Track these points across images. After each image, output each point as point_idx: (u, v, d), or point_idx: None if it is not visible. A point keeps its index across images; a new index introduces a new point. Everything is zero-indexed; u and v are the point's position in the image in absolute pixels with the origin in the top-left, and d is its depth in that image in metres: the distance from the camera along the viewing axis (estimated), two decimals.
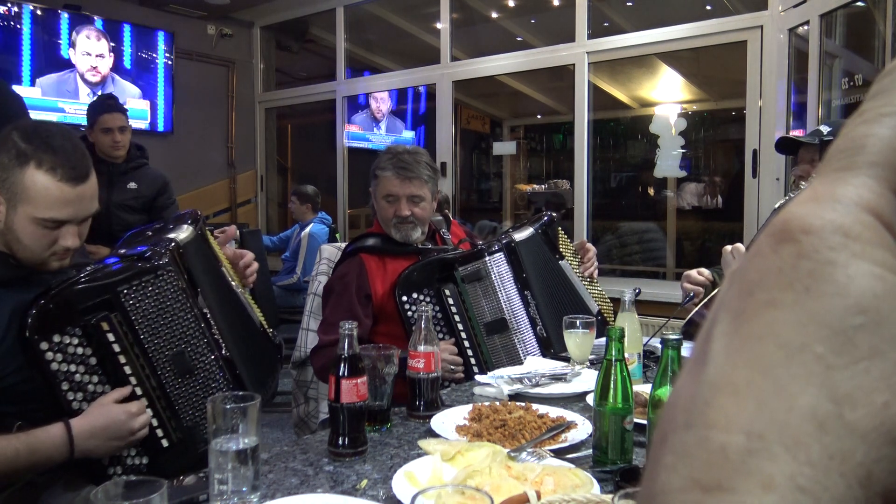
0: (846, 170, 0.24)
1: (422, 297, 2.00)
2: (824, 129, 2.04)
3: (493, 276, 2.06)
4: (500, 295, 2.06)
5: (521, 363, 1.98)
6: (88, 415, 1.28)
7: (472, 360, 2.00)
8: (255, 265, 1.78)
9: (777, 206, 1.94)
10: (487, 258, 2.06)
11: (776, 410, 0.21)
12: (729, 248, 1.92)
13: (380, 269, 2.07)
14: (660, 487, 0.22)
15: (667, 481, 0.22)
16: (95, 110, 2.99)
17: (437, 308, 2.01)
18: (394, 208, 2.05)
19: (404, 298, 1.98)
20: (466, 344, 2.01)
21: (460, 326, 2.01)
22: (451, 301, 2.01)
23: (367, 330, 2.02)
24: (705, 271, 2.14)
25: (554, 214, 2.28)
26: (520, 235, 2.15)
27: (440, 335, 2.00)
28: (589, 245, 2.32)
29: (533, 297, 2.10)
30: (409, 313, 1.97)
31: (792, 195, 1.92)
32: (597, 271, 2.31)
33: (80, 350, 1.32)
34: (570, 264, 2.23)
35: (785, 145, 2.19)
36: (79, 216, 1.40)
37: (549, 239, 2.21)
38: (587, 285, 2.23)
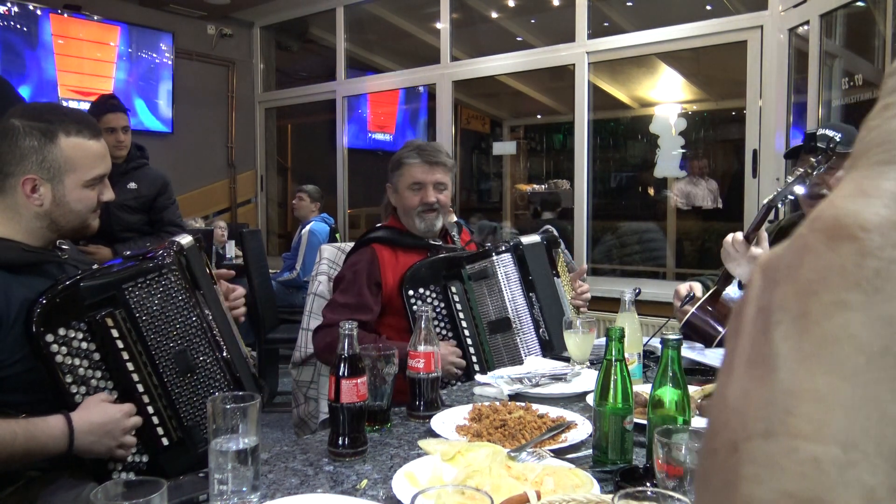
0: (888, 163, 0.23)
1: (428, 293, 2.02)
2: (830, 132, 2.00)
3: (499, 275, 2.09)
4: (505, 294, 2.08)
5: (522, 363, 1.98)
6: (86, 409, 1.30)
7: (474, 359, 2.01)
8: (242, 299, 1.78)
9: (766, 201, 1.92)
10: (495, 257, 2.09)
11: (868, 419, 0.20)
12: (730, 237, 1.90)
13: (392, 260, 2.10)
14: (743, 499, 0.21)
15: (752, 493, 0.21)
16: (99, 110, 2.97)
17: (443, 305, 2.04)
18: (419, 196, 2.09)
19: (411, 293, 2.01)
20: (469, 342, 2.02)
21: (464, 324, 2.03)
22: (456, 298, 2.03)
23: (376, 316, 2.06)
24: (695, 285, 2.13)
25: (556, 234, 2.33)
26: (527, 240, 2.20)
27: (444, 332, 2.03)
28: (585, 285, 2.34)
29: (537, 300, 2.12)
30: (415, 308, 1.99)
31: (779, 189, 1.91)
32: (586, 307, 2.34)
33: (84, 345, 1.33)
34: (564, 287, 2.26)
35: (794, 152, 2.16)
36: (109, 168, 1.51)
37: (550, 254, 2.25)
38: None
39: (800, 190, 1.83)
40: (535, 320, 2.10)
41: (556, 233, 2.32)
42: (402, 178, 2.12)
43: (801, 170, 1.84)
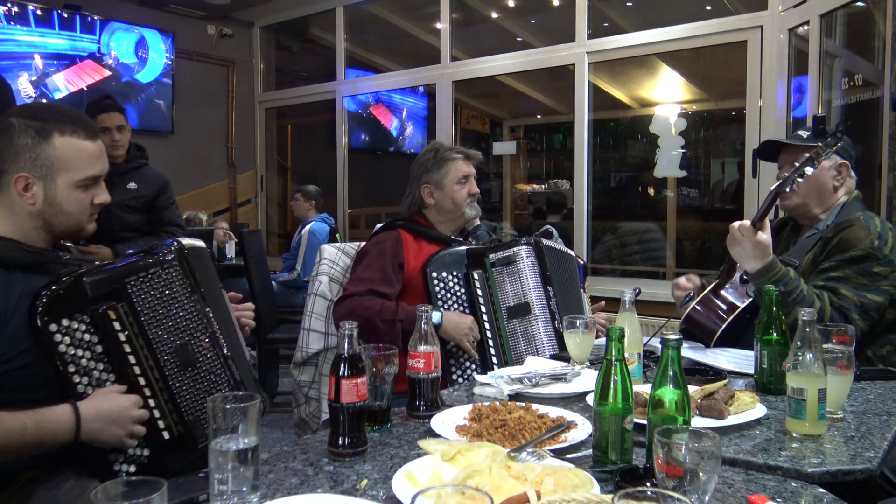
0: None
1: (450, 277, 2.14)
2: (803, 133, 2.06)
3: (521, 263, 2.19)
4: (525, 281, 2.18)
5: (536, 351, 2.08)
6: (93, 399, 1.31)
7: (490, 342, 2.10)
8: (251, 314, 1.78)
9: (774, 187, 1.92)
10: (516, 249, 2.20)
11: None
12: (736, 224, 1.88)
13: (415, 246, 2.22)
14: None
15: None
16: (93, 110, 2.98)
17: (463, 290, 2.14)
18: (467, 188, 2.29)
19: (434, 275, 2.13)
20: (487, 326, 2.12)
21: (483, 309, 2.12)
22: (477, 284, 2.14)
23: (397, 292, 2.16)
24: (694, 277, 2.14)
25: (557, 235, 2.43)
26: (548, 242, 2.30)
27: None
28: (603, 316, 2.41)
29: (554, 294, 2.21)
30: (437, 289, 2.12)
31: (787, 174, 1.91)
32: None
33: (87, 336, 1.34)
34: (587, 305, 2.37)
35: (767, 150, 2.16)
36: (105, 170, 1.49)
37: (579, 272, 2.37)
38: None
39: (809, 171, 1.84)
40: (552, 312, 2.18)
41: (556, 234, 2.37)
42: (451, 174, 2.28)
43: (808, 154, 1.83)
